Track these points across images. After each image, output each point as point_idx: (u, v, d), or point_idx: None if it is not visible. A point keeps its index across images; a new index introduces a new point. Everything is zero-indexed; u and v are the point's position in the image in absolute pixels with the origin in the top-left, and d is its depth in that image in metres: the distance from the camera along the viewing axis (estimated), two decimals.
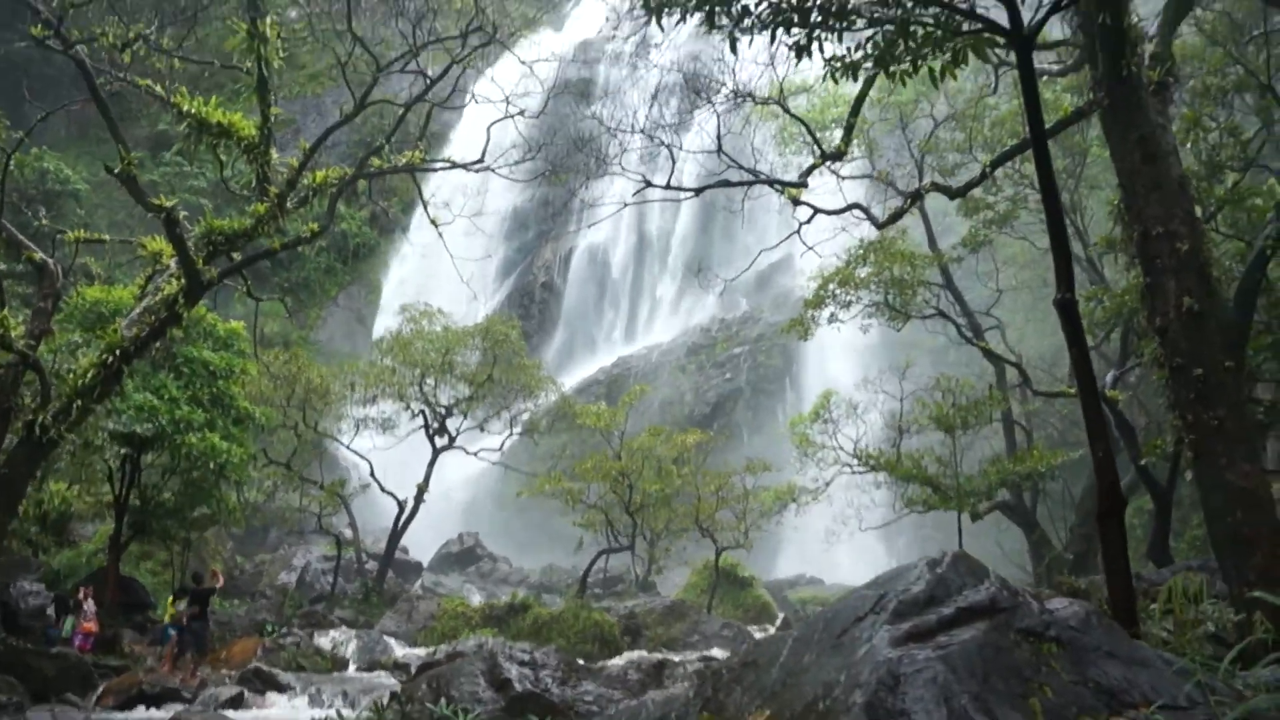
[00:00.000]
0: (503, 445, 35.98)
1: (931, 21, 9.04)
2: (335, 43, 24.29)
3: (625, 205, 19.48)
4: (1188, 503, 25.42)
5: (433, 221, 23.89)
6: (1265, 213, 18.23)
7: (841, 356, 44.00)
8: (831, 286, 25.60)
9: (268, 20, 20.42)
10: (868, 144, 28.54)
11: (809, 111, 26.65)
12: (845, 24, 9.77)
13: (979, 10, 9.51)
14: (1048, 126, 17.15)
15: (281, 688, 19.11)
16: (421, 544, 39.64)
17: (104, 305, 24.31)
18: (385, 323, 41.63)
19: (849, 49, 10.22)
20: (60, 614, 22.94)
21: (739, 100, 17.76)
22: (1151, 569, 19.99)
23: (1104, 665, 5.21)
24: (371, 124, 45.61)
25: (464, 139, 44.04)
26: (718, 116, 18.50)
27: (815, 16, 9.91)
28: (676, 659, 20.33)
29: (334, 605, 31.05)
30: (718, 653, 24.43)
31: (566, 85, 41.54)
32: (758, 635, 27.14)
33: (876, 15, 9.57)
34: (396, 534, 33.73)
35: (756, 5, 10.24)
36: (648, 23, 11.58)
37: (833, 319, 26.14)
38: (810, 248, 19.96)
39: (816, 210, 19.55)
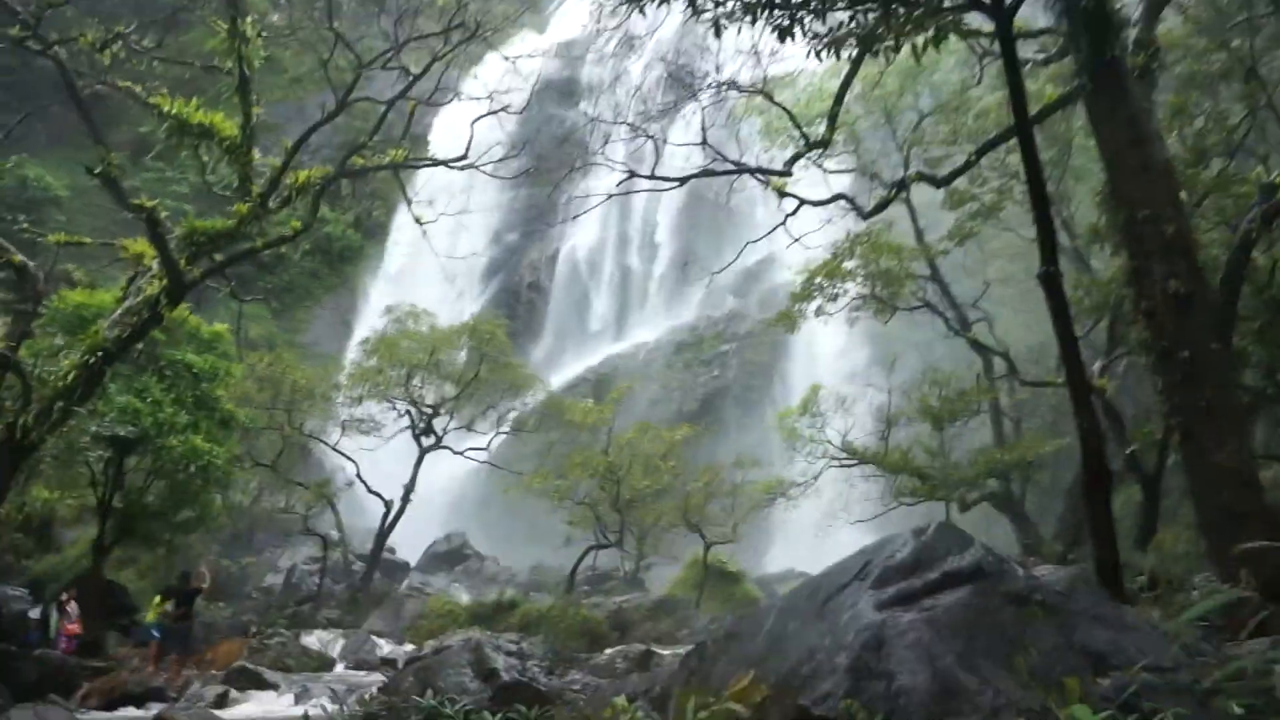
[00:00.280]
0: (490, 444, 35.87)
1: None
2: (317, 44, 24.17)
3: (610, 196, 19.38)
4: (1177, 492, 25.43)
5: (417, 220, 23.76)
6: (1251, 199, 18.25)
7: (830, 353, 44.05)
8: (819, 279, 25.58)
9: (248, 20, 20.28)
10: (853, 138, 28.53)
11: (795, 105, 26.60)
12: (827, 4, 9.71)
13: None
14: (1031, 115, 17.14)
15: (267, 686, 18.96)
16: (409, 544, 39.46)
17: (86, 309, 24.09)
18: (371, 324, 41.45)
19: (831, 28, 10.16)
20: (43, 614, 22.73)
21: (723, 89, 17.66)
22: (1140, 557, 20.01)
23: (1090, 629, 5.14)
24: (356, 127, 45.34)
25: (444, 141, 43.88)
26: (702, 110, 18.42)
27: None
28: (665, 652, 20.27)
29: (321, 606, 30.92)
30: None
31: (550, 85, 41.40)
32: None
33: None
34: (383, 534, 33.60)
35: None
36: (630, 12, 11.49)
37: (820, 312, 26.11)
38: (796, 239, 19.87)
39: (803, 201, 19.51)
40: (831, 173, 24.23)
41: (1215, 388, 12.70)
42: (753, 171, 18.60)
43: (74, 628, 22.19)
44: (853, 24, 9.83)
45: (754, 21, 10.00)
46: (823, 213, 23.61)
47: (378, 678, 20.42)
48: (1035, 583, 5.38)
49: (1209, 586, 6.96)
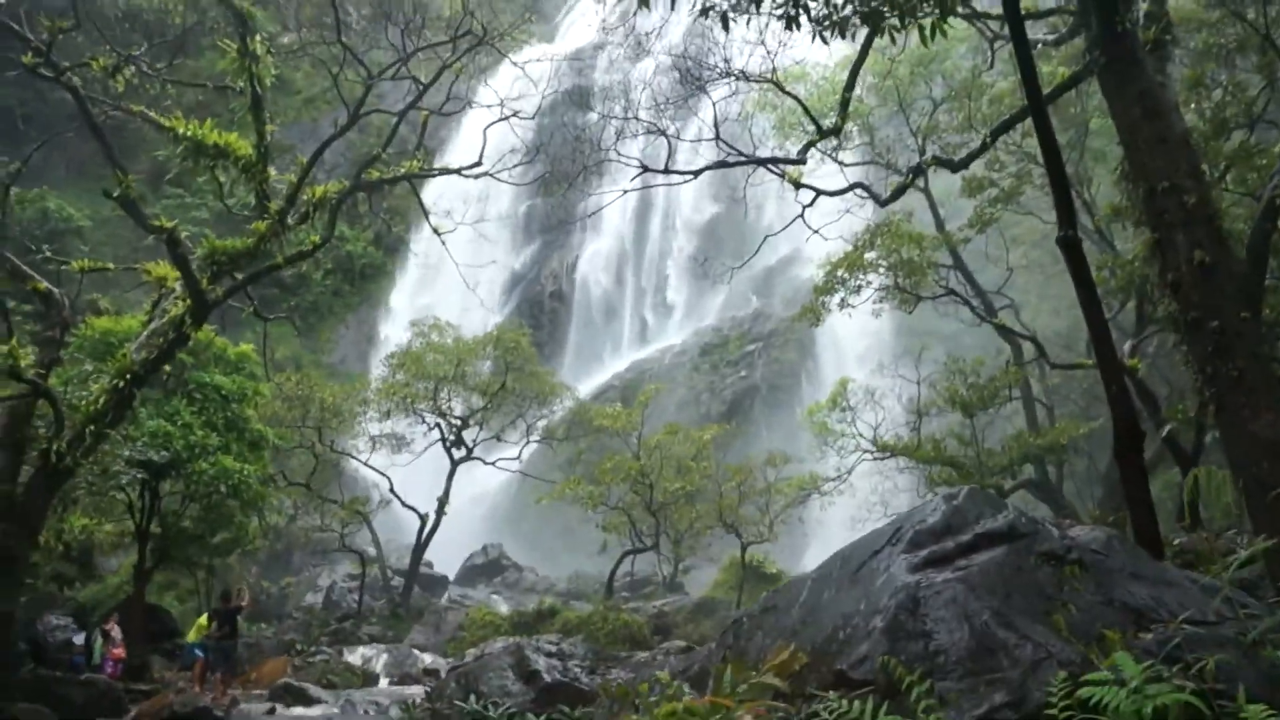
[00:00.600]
0: (520, 454, 35.93)
1: None
2: (329, 63, 24.32)
3: (625, 192, 19.41)
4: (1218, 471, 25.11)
5: (435, 230, 23.82)
6: (1274, 168, 18.02)
7: (857, 348, 43.86)
8: (840, 272, 25.46)
9: (257, 38, 20.46)
10: (867, 129, 28.42)
11: (808, 98, 26.54)
12: None
13: None
14: (1046, 94, 17.01)
15: (312, 702, 19.04)
16: (446, 558, 39.59)
17: (113, 335, 24.29)
18: (395, 339, 41.64)
19: (835, 6, 10.12)
20: (87, 640, 22.95)
21: (733, 79, 17.63)
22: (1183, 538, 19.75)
23: (1129, 585, 5.07)
24: (372, 144, 45.69)
25: (463, 152, 44.10)
26: (714, 105, 18.38)
27: None
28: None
29: (361, 622, 31.02)
30: None
31: (563, 92, 41.47)
32: None
33: None
34: (420, 548, 33.70)
35: None
36: (636, 11, 11.47)
37: (843, 304, 25.96)
38: (815, 231, 19.76)
39: (819, 192, 19.41)
40: (847, 165, 24.14)
41: (1247, 357, 12.50)
42: (766, 162, 18.52)
43: (119, 652, 22.40)
44: (857, 2, 9.77)
45: (758, 7, 9.94)
46: (840, 204, 23.51)
47: (421, 690, 20.50)
48: (1071, 542, 5.31)
49: (1246, 534, 6.84)
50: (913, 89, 28.23)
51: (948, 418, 28.57)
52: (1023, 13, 15.95)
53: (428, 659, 25.73)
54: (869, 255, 25.32)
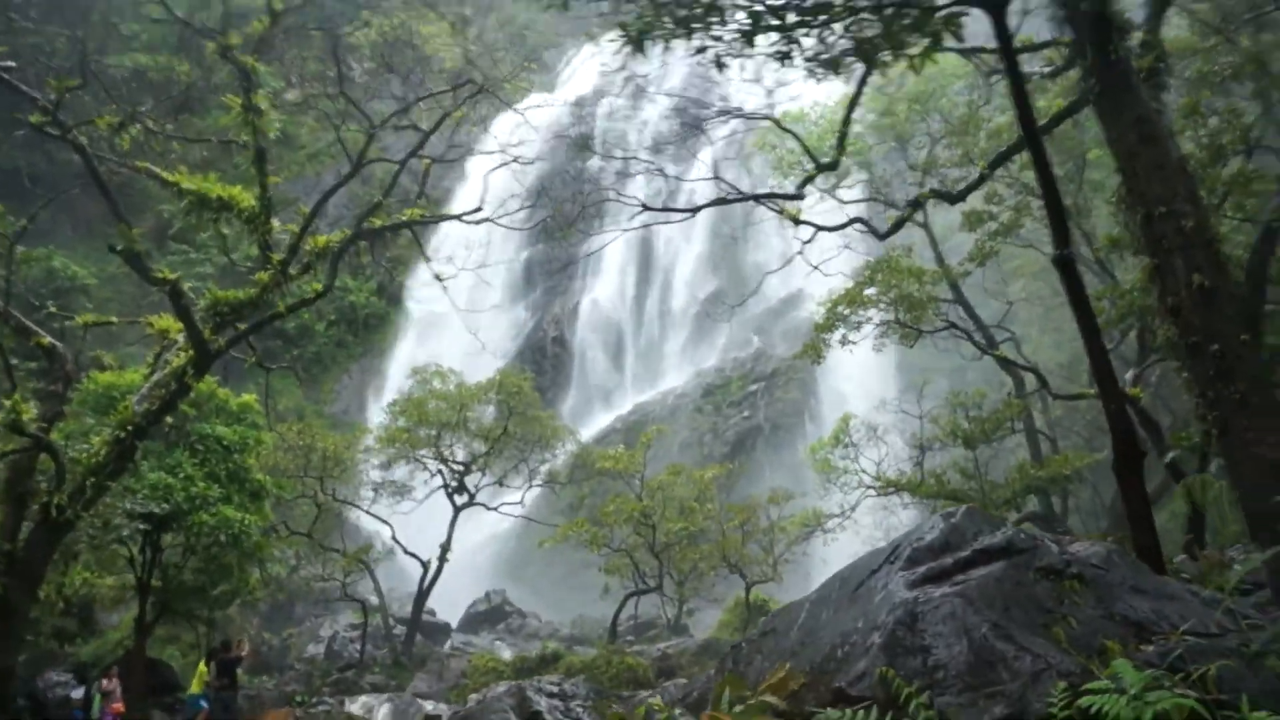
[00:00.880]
0: (523, 499, 35.80)
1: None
2: (332, 116, 24.59)
3: (624, 231, 19.47)
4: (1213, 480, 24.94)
5: (437, 277, 23.91)
6: (1271, 194, 18.10)
7: (858, 387, 43.82)
8: (841, 308, 25.49)
9: (261, 93, 20.70)
10: (866, 166, 28.62)
11: (808, 137, 26.75)
12: (821, 19, 9.75)
13: None
14: (1041, 124, 17.11)
15: None
16: (449, 605, 39.32)
17: (116, 389, 24.28)
18: (397, 386, 41.64)
19: (827, 44, 10.19)
20: (86, 695, 22.72)
21: (731, 118, 17.78)
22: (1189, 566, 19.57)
23: (1130, 599, 5.00)
24: (373, 194, 46.04)
25: (468, 202, 44.39)
26: (712, 146, 18.55)
27: (791, 17, 9.89)
28: None
29: (364, 672, 30.73)
30: None
31: (564, 139, 41.84)
32: None
33: (850, 3, 9.54)
34: (422, 596, 33.47)
35: (732, 14, 10.23)
36: (631, 54, 11.55)
37: (845, 341, 25.95)
38: (815, 267, 19.85)
39: (818, 228, 19.48)
40: (847, 203, 24.26)
41: (1249, 380, 12.43)
42: (765, 197, 18.63)
43: (118, 706, 22.14)
44: (849, 37, 9.85)
45: (750, 43, 10.01)
46: (840, 241, 23.57)
47: None
48: (1071, 556, 5.25)
49: (1249, 554, 6.77)
50: (910, 125, 28.47)
51: (950, 452, 28.47)
52: (1017, 45, 16.10)
53: (430, 707, 25.43)
54: (869, 291, 25.36)
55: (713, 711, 4.69)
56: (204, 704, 21.50)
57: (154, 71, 28.29)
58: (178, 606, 25.77)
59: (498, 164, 22.54)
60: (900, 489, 27.26)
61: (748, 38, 10.24)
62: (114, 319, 26.27)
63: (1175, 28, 21.09)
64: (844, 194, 24.57)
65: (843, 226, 20.31)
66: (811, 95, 24.60)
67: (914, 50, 10.06)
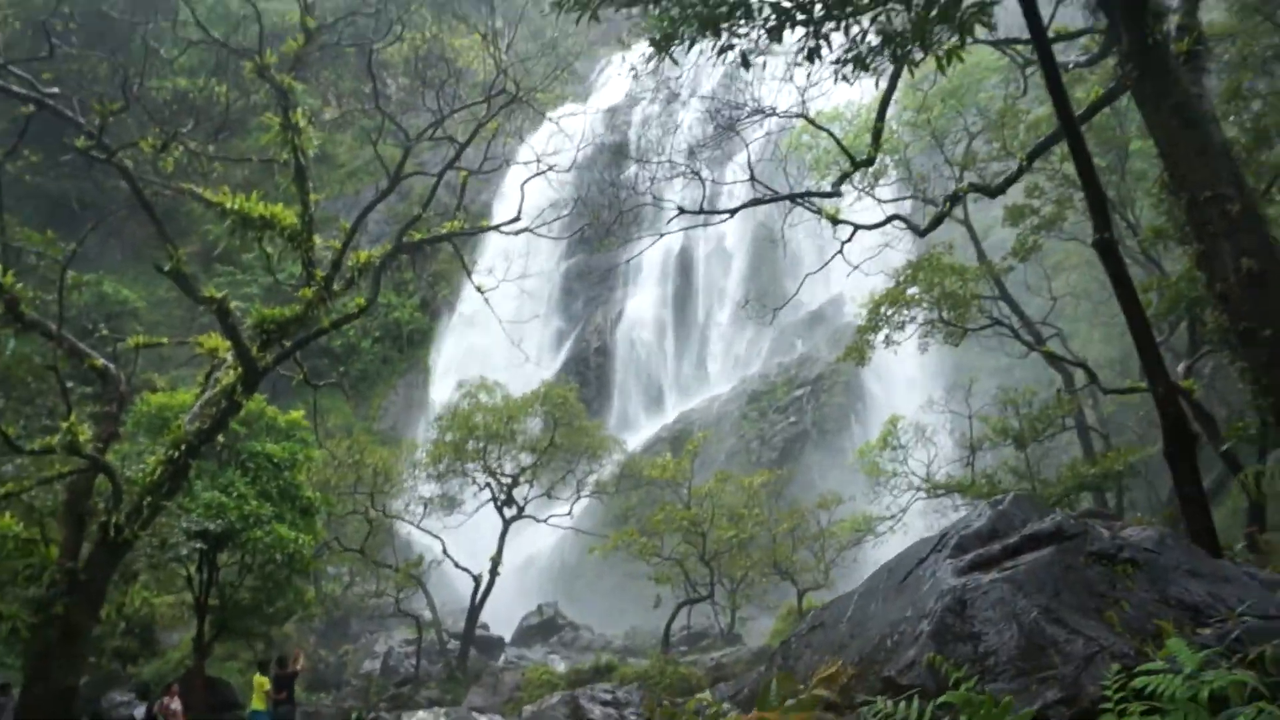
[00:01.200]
0: (571, 510, 35.85)
1: None
2: (371, 133, 24.87)
3: (662, 235, 19.52)
4: None
5: (479, 289, 24.04)
6: None
7: (905, 388, 43.46)
8: (884, 309, 25.33)
9: (299, 111, 20.97)
10: (904, 164, 28.41)
11: (844, 137, 26.64)
12: (850, 12, 9.69)
13: None
14: (1079, 114, 16.90)
15: None
16: (502, 619, 39.40)
17: (168, 410, 24.64)
18: (443, 401, 41.88)
19: (854, 39, 10.13)
20: (148, 714, 23.01)
21: (764, 117, 17.75)
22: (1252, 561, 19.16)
23: (1185, 583, 4.89)
24: (413, 209, 46.49)
25: (506, 213, 44.68)
26: (747, 147, 18.50)
27: (819, 10, 9.85)
28: None
29: (419, 687, 30.91)
30: None
31: (599, 148, 41.97)
32: None
33: None
34: (475, 610, 33.58)
35: (759, 10, 10.19)
36: (660, 59, 11.56)
37: (889, 341, 25.78)
38: (855, 267, 19.77)
39: (857, 227, 19.41)
40: (885, 201, 24.12)
41: None
42: (801, 196, 18.57)
43: None
44: (874, 30, 9.80)
45: (778, 39, 9.97)
46: (879, 240, 23.44)
47: None
48: (1123, 541, 5.16)
49: None
50: (947, 122, 28.23)
51: (1001, 451, 28.16)
52: (1051, 34, 15.91)
53: None
54: (911, 290, 25.18)
55: (760, 709, 4.66)
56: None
57: (194, 94, 28.80)
58: (235, 625, 26.05)
59: (533, 174, 22.66)
60: (951, 490, 26.99)
61: (774, 34, 10.20)
62: (164, 340, 26.69)
63: (1212, 9, 20.74)
64: (881, 192, 24.42)
65: (881, 224, 20.21)
66: (845, 95, 24.50)
67: (944, 45, 9.98)
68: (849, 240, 19.32)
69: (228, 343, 20.98)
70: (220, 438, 22.03)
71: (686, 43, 10.79)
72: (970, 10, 9.25)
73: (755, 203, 18.36)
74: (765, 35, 10.44)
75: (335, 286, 21.47)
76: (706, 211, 18.03)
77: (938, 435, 29.58)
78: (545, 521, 35.12)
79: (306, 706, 26.52)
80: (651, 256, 49.12)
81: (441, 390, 49.80)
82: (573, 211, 24.56)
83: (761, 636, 35.18)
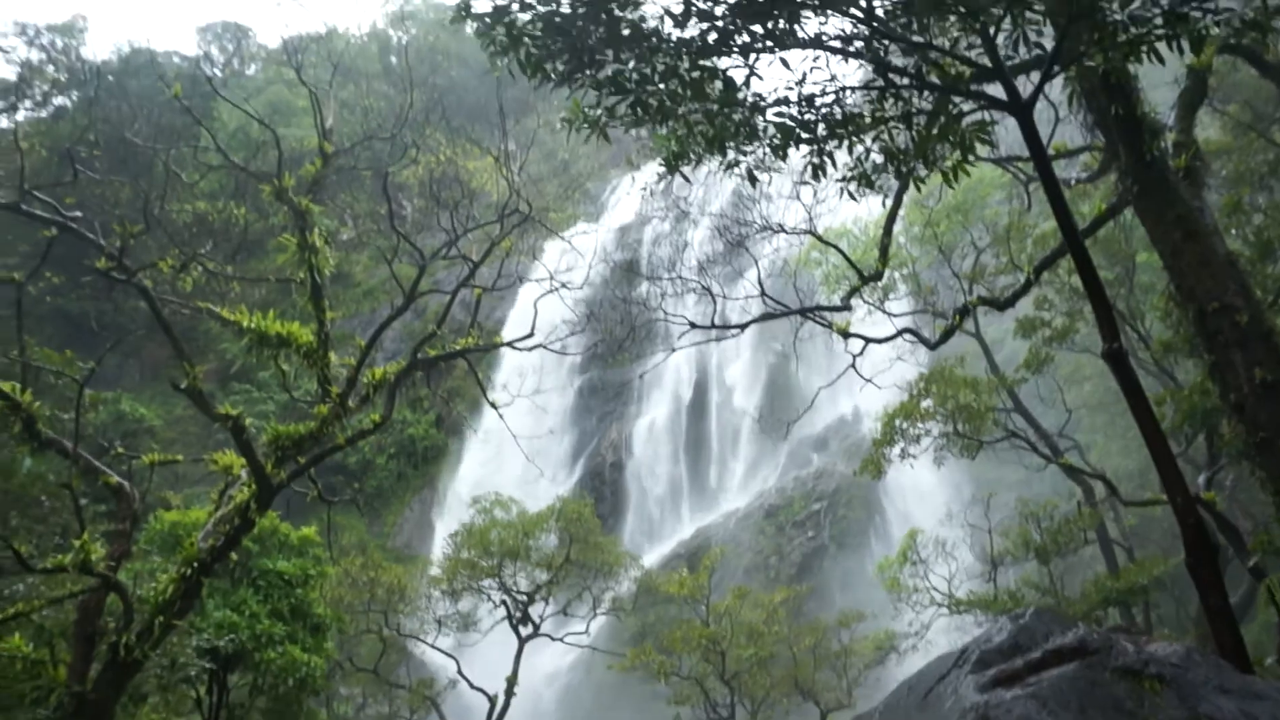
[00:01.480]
0: (588, 627, 35.32)
1: (931, 109, 9.19)
2: (385, 251, 25.34)
3: (674, 350, 19.69)
4: None
5: (493, 405, 24.17)
6: None
7: (923, 501, 43.12)
8: (898, 421, 25.31)
9: (316, 232, 21.45)
10: (913, 278, 28.74)
11: (853, 252, 27.03)
12: (852, 130, 9.96)
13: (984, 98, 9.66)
14: (1083, 228, 17.16)
15: None
16: None
17: (181, 527, 24.63)
18: (458, 517, 41.73)
19: (858, 157, 10.40)
20: None
21: (772, 233, 18.09)
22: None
23: (1215, 700, 4.79)
24: (428, 327, 47.08)
25: (519, 330, 45.17)
26: (756, 262, 18.81)
27: (822, 129, 10.13)
28: None
29: None
30: None
31: (612, 266, 42.61)
32: None
33: (878, 114, 9.76)
34: None
35: (764, 130, 10.49)
36: (670, 178, 11.87)
37: (904, 455, 25.68)
38: (868, 380, 19.86)
39: (868, 340, 19.56)
40: (895, 315, 24.36)
41: None
42: (811, 310, 18.79)
43: None
44: (876, 147, 10.06)
45: (781, 155, 10.24)
46: (891, 353, 23.58)
47: None
48: (1148, 655, 5.06)
49: None
50: (954, 236, 28.65)
51: (1023, 566, 27.78)
52: (1051, 152, 16.25)
53: None
54: (925, 403, 25.21)
55: None
56: None
57: (214, 216, 29.52)
58: None
59: (546, 291, 22.99)
60: (973, 606, 26.56)
61: (779, 151, 10.48)
62: (179, 457, 26.79)
63: (1207, 126, 21.21)
64: (892, 307, 24.68)
65: (892, 338, 20.37)
66: (852, 211, 24.98)
67: (947, 162, 10.23)
68: (860, 354, 19.45)
69: (242, 460, 21.05)
70: (233, 555, 21.92)
71: (694, 160, 11.09)
72: (970, 129, 9.50)
73: (766, 317, 18.57)
74: (770, 153, 10.73)
75: (350, 403, 21.62)
76: (718, 326, 18.25)
77: (958, 549, 29.24)
78: (561, 639, 34.57)
79: None
80: (666, 373, 49.41)
81: (456, 506, 49.65)
82: (586, 328, 24.80)
83: None
